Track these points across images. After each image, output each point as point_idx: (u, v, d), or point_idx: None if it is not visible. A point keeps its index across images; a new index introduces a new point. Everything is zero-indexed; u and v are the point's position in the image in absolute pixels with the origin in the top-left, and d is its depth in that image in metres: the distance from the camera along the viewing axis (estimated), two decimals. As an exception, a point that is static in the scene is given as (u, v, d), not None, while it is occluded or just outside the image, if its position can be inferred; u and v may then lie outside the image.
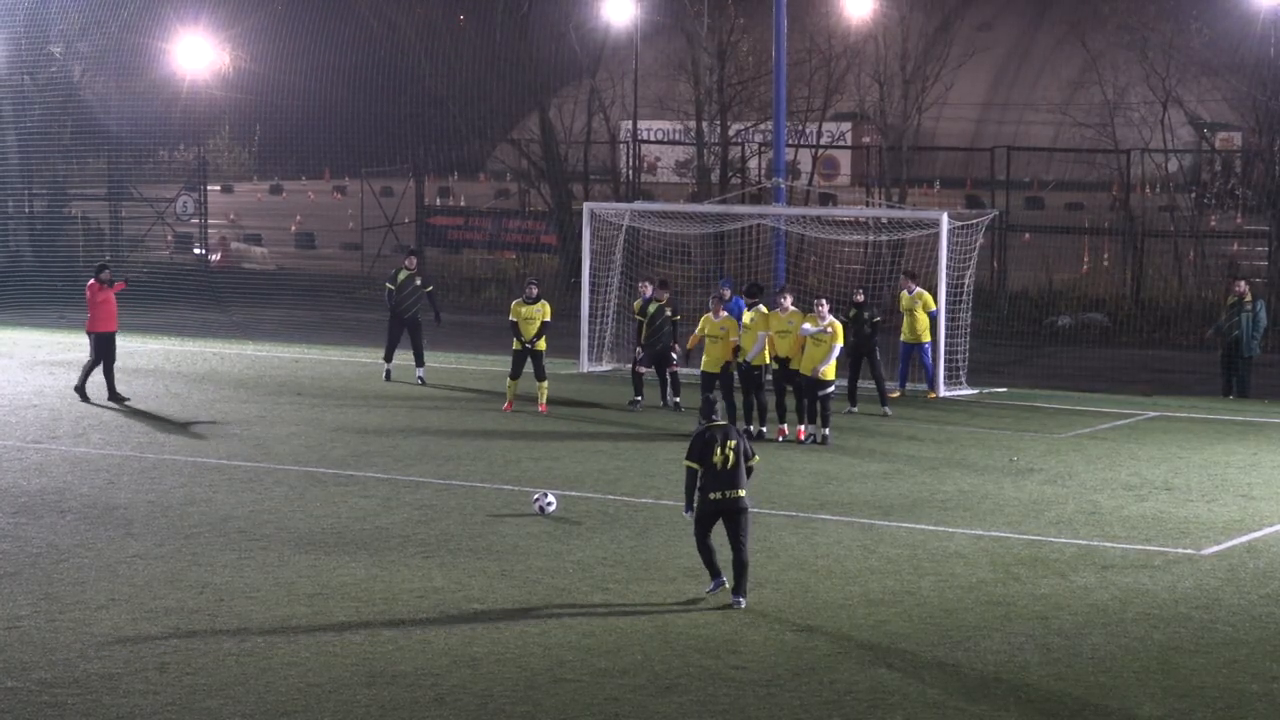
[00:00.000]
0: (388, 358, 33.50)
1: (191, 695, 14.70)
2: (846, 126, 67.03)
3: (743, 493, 17.55)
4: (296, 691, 14.82)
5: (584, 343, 35.24)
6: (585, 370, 34.90)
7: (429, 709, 14.46)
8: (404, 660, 15.69)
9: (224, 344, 39.34)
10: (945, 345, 32.44)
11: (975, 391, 32.92)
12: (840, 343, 27.04)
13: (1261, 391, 33.28)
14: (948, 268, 32.58)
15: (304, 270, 53.05)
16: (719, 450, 17.47)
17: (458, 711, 14.42)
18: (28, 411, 29.35)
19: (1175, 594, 18.33)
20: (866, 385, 30.64)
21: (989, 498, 23.21)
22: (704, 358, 27.93)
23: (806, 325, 27.10)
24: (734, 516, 17.49)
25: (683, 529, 20.89)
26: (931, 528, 21.35)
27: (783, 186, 36.88)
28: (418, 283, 33.32)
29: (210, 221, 53.66)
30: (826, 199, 51.86)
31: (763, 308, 28.04)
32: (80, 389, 30.28)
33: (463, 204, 60.71)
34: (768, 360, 27.69)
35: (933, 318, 32.06)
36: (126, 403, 30.00)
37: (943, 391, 32.23)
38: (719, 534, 17.75)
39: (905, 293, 32.15)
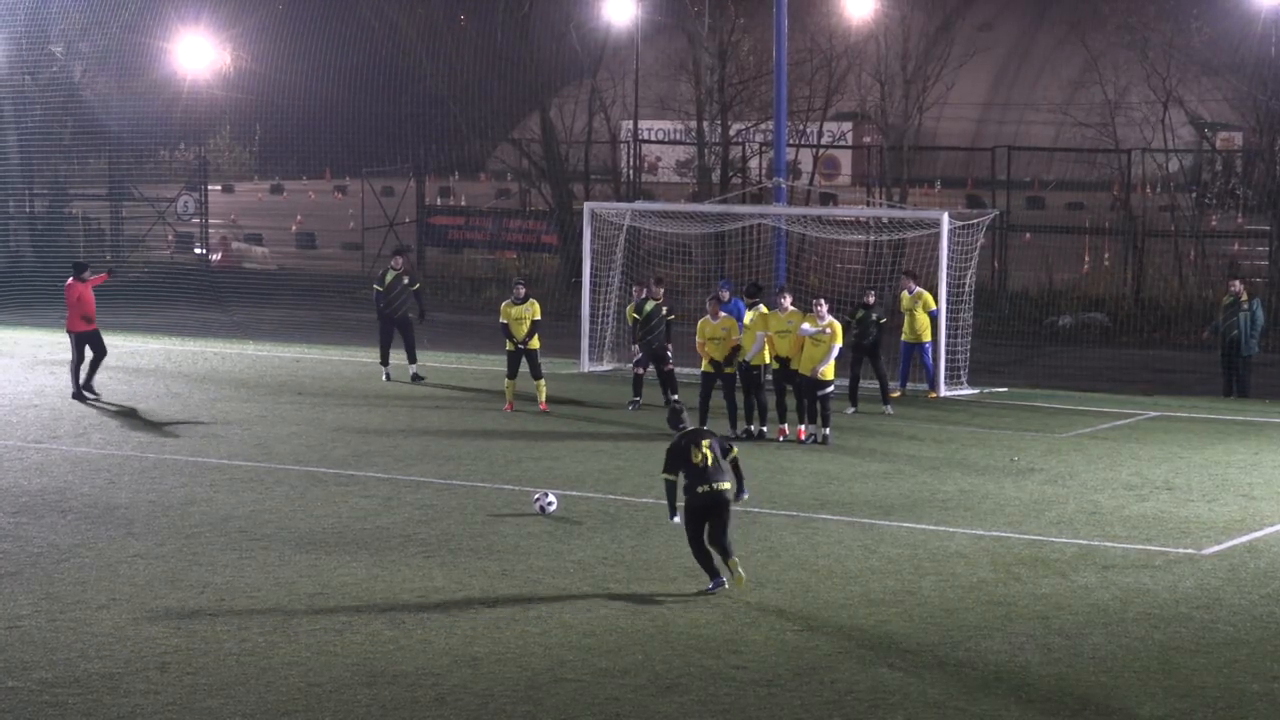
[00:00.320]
0: (383, 360, 33.52)
1: (192, 695, 14.70)
2: (847, 126, 67.04)
3: (727, 485, 18.18)
4: (297, 691, 14.82)
5: (584, 343, 35.24)
6: (586, 370, 34.90)
7: (430, 709, 14.46)
8: (405, 660, 15.69)
9: (225, 344, 39.34)
10: (946, 345, 32.43)
11: (976, 391, 32.91)
12: (840, 342, 27.04)
13: (1262, 391, 33.27)
14: (948, 268, 32.58)
15: (305, 270, 53.05)
16: (695, 452, 18.13)
17: (458, 711, 14.43)
18: (29, 411, 29.35)
19: (1176, 594, 18.32)
20: (868, 385, 30.61)
21: (990, 497, 23.21)
22: (704, 360, 27.89)
23: (805, 325, 27.09)
24: (718, 510, 18.08)
25: (683, 528, 20.88)
26: (932, 527, 21.35)
27: (783, 186, 36.86)
28: (405, 282, 33.38)
29: (211, 221, 53.67)
30: (827, 199, 51.88)
31: (763, 308, 28.06)
32: (77, 394, 30.28)
33: (463, 204, 60.73)
34: (767, 360, 27.69)
35: (933, 317, 32.06)
36: (96, 399, 30.13)
37: (943, 391, 32.22)
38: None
39: (906, 293, 32.15)
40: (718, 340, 27.62)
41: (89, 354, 30.49)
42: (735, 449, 18.71)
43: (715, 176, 48.93)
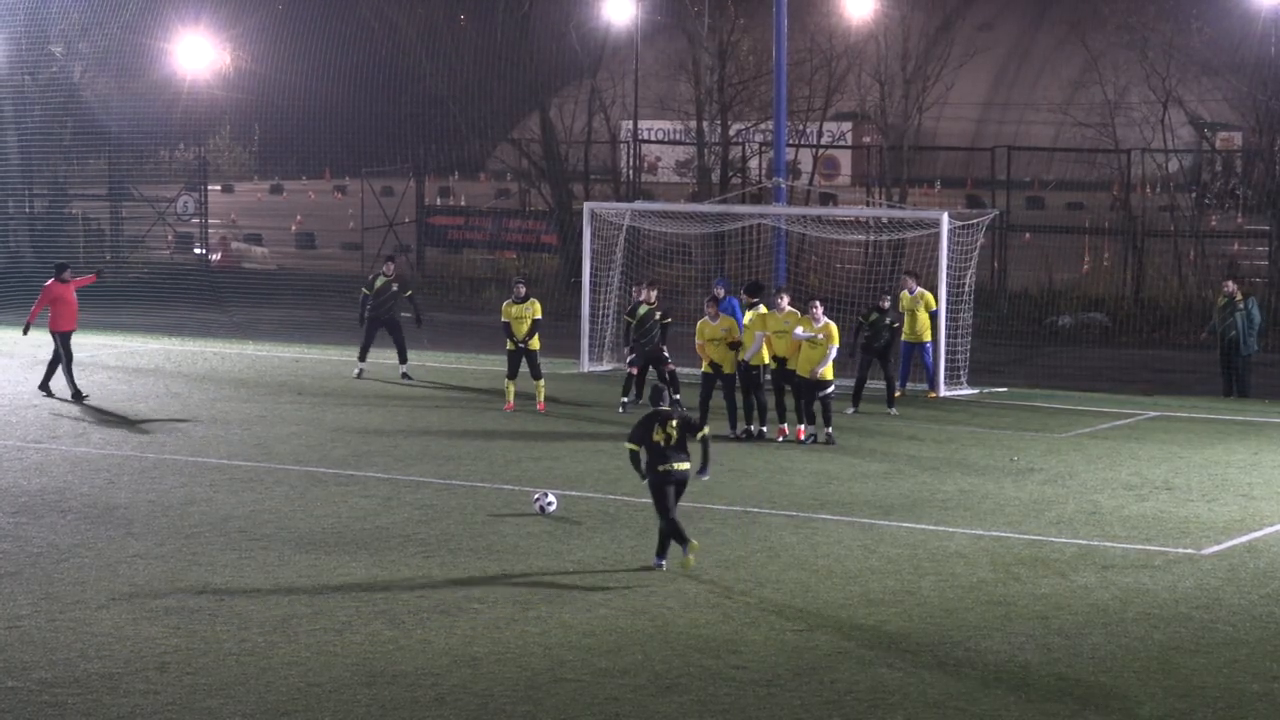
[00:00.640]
0: (361, 357, 33.73)
1: (192, 695, 14.70)
2: (847, 126, 67.03)
3: (685, 465, 19.10)
4: (297, 691, 14.82)
5: (584, 342, 35.24)
6: (586, 370, 34.91)
7: (429, 709, 14.46)
8: (404, 660, 15.69)
9: (224, 344, 39.34)
10: (946, 345, 32.44)
11: (976, 391, 32.92)
12: (836, 344, 27.03)
13: (1262, 391, 33.28)
14: (948, 268, 32.59)
15: (304, 270, 53.04)
16: (658, 430, 19.04)
17: (458, 711, 14.42)
18: (28, 411, 29.36)
19: (1176, 594, 18.32)
20: (874, 386, 30.62)
21: (989, 497, 23.21)
22: (704, 361, 27.87)
23: (799, 329, 27.10)
24: (680, 486, 19.06)
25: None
26: (932, 527, 21.35)
27: (783, 186, 36.87)
28: (394, 289, 33.70)
29: (211, 221, 53.65)
30: (827, 199, 51.86)
31: (762, 308, 28.06)
32: (75, 395, 30.33)
33: (463, 204, 60.72)
34: (766, 360, 27.70)
35: (933, 317, 32.08)
36: (50, 397, 30.30)
37: (943, 391, 32.23)
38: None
39: (906, 292, 32.16)
40: (717, 341, 27.63)
41: (63, 354, 30.72)
42: (706, 429, 19.51)
43: (715, 176, 48.92)
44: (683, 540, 18.93)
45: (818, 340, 26.82)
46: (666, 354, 29.96)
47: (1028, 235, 48.90)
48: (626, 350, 30.47)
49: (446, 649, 16.04)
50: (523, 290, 29.86)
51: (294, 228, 61.95)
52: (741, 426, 27.63)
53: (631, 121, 53.00)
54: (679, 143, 55.53)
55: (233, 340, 39.94)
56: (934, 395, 32.06)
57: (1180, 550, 20.34)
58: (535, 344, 29.66)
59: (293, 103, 54.35)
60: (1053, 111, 55.25)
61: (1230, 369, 32.96)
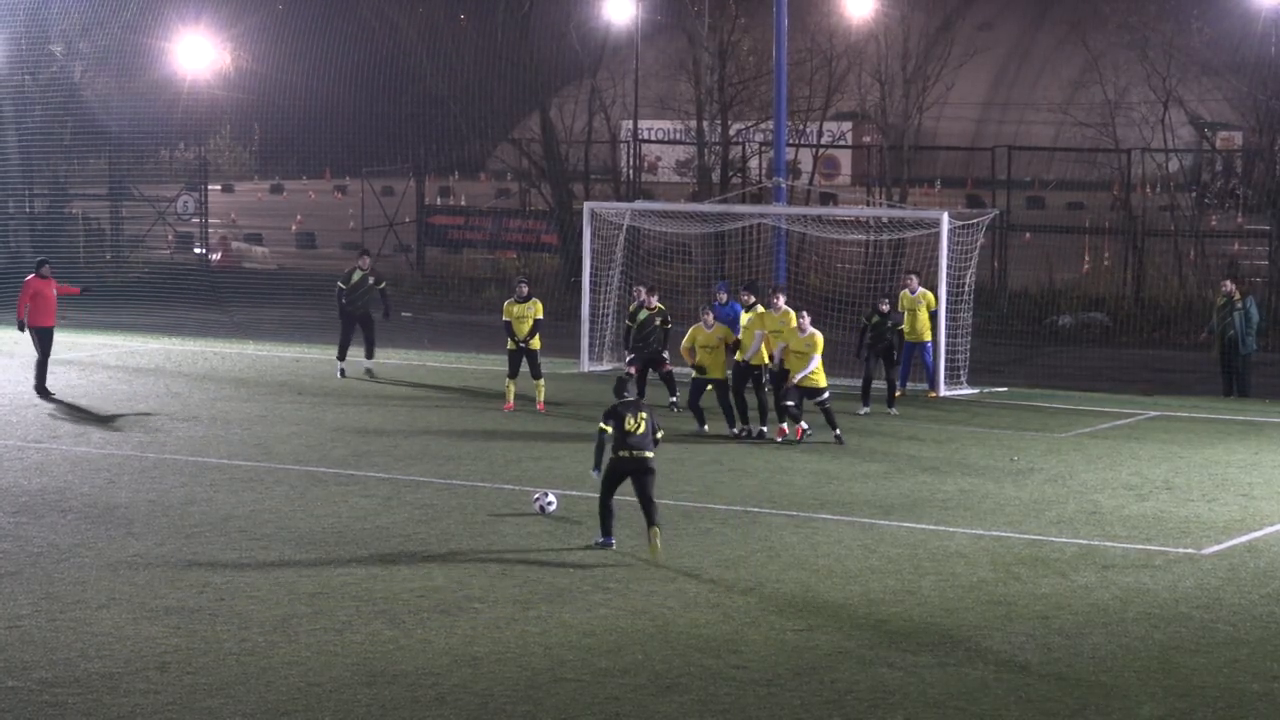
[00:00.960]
0: (341, 356, 33.86)
1: (192, 694, 14.70)
2: (847, 126, 67.03)
3: (650, 454, 19.74)
4: (297, 691, 14.82)
5: (584, 342, 35.25)
6: (586, 370, 34.90)
7: (430, 708, 14.46)
8: (405, 660, 15.69)
9: (225, 343, 39.34)
10: (946, 345, 32.45)
11: (976, 391, 32.92)
12: (819, 353, 26.99)
13: (1262, 391, 33.29)
14: (948, 267, 32.59)
15: (305, 270, 53.01)
16: (630, 419, 19.77)
17: (458, 711, 14.42)
18: (28, 411, 29.36)
19: (1176, 593, 18.32)
20: (879, 385, 30.62)
21: (990, 497, 23.21)
22: (696, 368, 27.91)
23: (781, 343, 27.17)
24: (641, 475, 19.65)
25: (683, 528, 20.92)
26: (932, 527, 21.35)
27: (783, 186, 36.87)
28: (370, 282, 33.79)
29: (211, 221, 53.64)
30: (827, 198, 51.87)
31: (759, 308, 28.11)
32: (39, 389, 30.49)
33: (463, 203, 60.72)
34: (766, 360, 27.71)
35: (933, 317, 32.08)
36: (50, 397, 30.38)
37: (943, 391, 32.23)
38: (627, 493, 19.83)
39: (908, 292, 32.16)
40: (710, 349, 27.67)
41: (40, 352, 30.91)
42: (662, 433, 20.36)
43: (715, 176, 48.92)
44: (606, 531, 19.81)
45: (802, 351, 26.83)
46: (665, 355, 29.97)
47: (1028, 235, 48.91)
48: (626, 353, 30.48)
49: (447, 649, 16.04)
50: (525, 290, 29.86)
51: (294, 227, 61.94)
52: (740, 425, 27.62)
53: (632, 121, 53.00)
54: (679, 142, 55.54)
55: (233, 340, 39.94)
56: (934, 395, 32.07)
57: (1180, 550, 20.34)
58: (536, 344, 29.67)
59: (293, 102, 54.35)
60: (1053, 111, 55.27)
61: (1230, 369, 32.96)
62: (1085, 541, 20.69)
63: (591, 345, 35.25)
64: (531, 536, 20.51)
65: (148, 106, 51.96)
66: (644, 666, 15.60)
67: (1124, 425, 29.67)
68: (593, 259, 35.64)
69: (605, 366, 35.07)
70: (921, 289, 32.11)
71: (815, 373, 26.85)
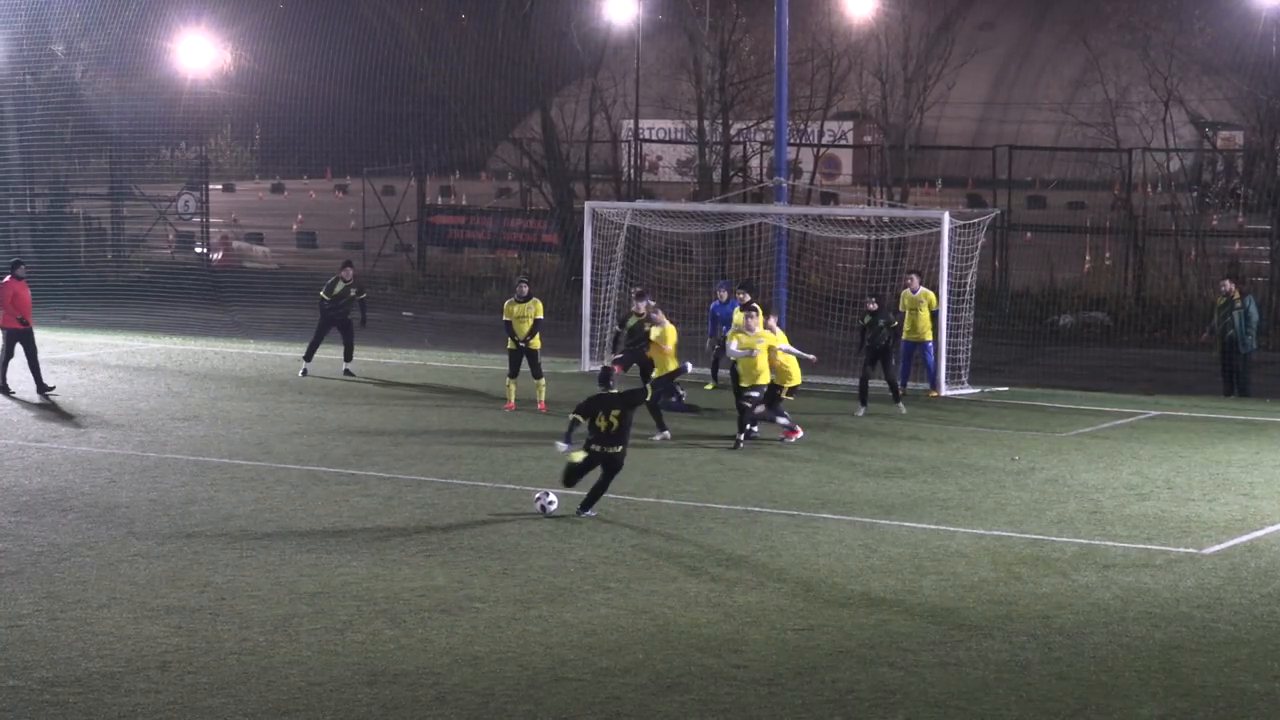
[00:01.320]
0: (308, 357, 34.03)
1: (193, 694, 14.70)
2: (848, 125, 67.00)
3: (618, 450, 21.18)
4: (298, 690, 14.82)
5: (585, 342, 35.26)
6: (586, 369, 34.89)
7: (430, 708, 14.46)
8: (405, 659, 15.70)
9: (225, 343, 39.35)
10: (947, 344, 32.45)
11: (977, 391, 32.92)
12: (761, 349, 26.71)
13: (1262, 390, 33.29)
14: (949, 267, 32.60)
15: (305, 269, 52.99)
16: (601, 418, 21.06)
17: (459, 710, 14.43)
18: (29, 411, 29.37)
19: (1177, 593, 18.32)
20: (877, 385, 30.61)
21: (990, 497, 23.21)
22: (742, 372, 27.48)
23: (734, 345, 26.81)
24: (609, 461, 21.23)
25: (684, 528, 20.93)
26: (933, 527, 21.35)
27: (784, 185, 36.87)
28: (352, 293, 34.21)
29: (212, 220, 53.66)
30: (828, 198, 51.87)
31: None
32: (2, 388, 30.55)
33: (464, 203, 60.72)
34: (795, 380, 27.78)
35: (934, 317, 32.09)
36: (50, 390, 30.54)
37: (944, 390, 32.24)
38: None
39: (909, 291, 32.16)
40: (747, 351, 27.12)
41: (22, 353, 30.98)
42: (651, 394, 22.61)
43: (716, 176, 48.93)
44: (587, 505, 21.35)
45: (754, 354, 26.65)
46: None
47: (1029, 235, 48.91)
48: (611, 353, 30.51)
49: (448, 648, 16.04)
50: (525, 290, 29.87)
51: (295, 227, 61.93)
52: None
53: (633, 121, 53.01)
54: (680, 142, 55.55)
55: (234, 339, 39.95)
56: (935, 394, 32.07)
57: (1181, 549, 20.34)
58: (536, 343, 29.67)
59: (294, 102, 54.36)
60: (1054, 111, 55.27)
61: (1230, 368, 32.96)
62: (1086, 541, 20.69)
63: (592, 345, 35.25)
64: (532, 536, 20.52)
65: (149, 106, 51.98)
66: (645, 666, 15.60)
67: (1125, 425, 29.67)
68: (593, 259, 35.65)
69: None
70: (923, 288, 32.12)
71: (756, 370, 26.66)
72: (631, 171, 51.82)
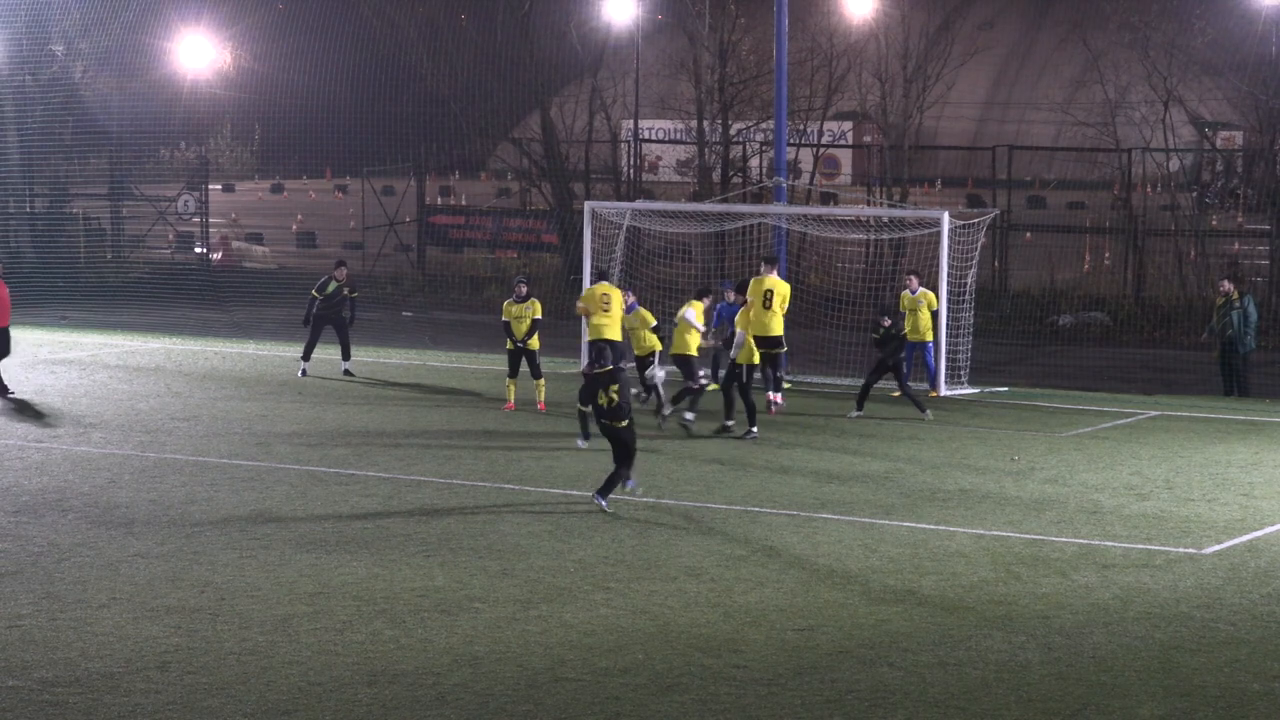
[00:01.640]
0: (305, 357, 34.08)
1: (192, 694, 14.70)
2: (848, 125, 67.04)
3: (624, 424, 21.79)
4: (298, 690, 14.82)
5: (584, 341, 35.21)
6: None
7: (430, 708, 14.46)
8: (405, 659, 15.70)
9: (225, 343, 39.36)
10: (947, 344, 32.46)
11: (977, 390, 32.92)
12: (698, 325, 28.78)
13: (1262, 391, 33.28)
14: (949, 267, 32.60)
15: (305, 269, 52.96)
16: (601, 395, 21.80)
17: (459, 710, 14.43)
18: (28, 410, 29.35)
19: (1177, 593, 18.32)
20: (879, 387, 30.56)
21: (990, 497, 23.21)
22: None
23: (689, 312, 28.87)
24: (618, 436, 21.83)
25: (684, 527, 20.93)
26: (933, 527, 21.35)
27: (784, 185, 36.87)
28: (345, 293, 34.22)
29: (211, 220, 53.66)
30: (828, 198, 51.87)
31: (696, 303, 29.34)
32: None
33: (464, 203, 60.71)
34: (756, 359, 27.73)
35: (934, 317, 32.09)
36: (10, 395, 30.31)
37: (944, 390, 32.24)
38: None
39: (908, 292, 32.16)
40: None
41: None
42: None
43: (716, 176, 48.94)
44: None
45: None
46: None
47: (1029, 234, 48.92)
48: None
49: (447, 648, 16.04)
50: (524, 290, 29.86)
51: (295, 227, 61.92)
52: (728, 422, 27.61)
53: (632, 121, 53.01)
54: (680, 142, 55.55)
55: (234, 339, 39.95)
56: (935, 394, 32.07)
57: (1181, 549, 20.34)
58: (535, 343, 29.66)
59: (293, 102, 54.35)
60: (1054, 111, 55.34)
61: (1229, 368, 32.96)
62: (1086, 541, 20.69)
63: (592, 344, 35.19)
64: (532, 536, 20.52)
65: (148, 106, 51.99)
66: (644, 666, 15.60)
67: (1124, 425, 29.67)
68: (593, 259, 35.63)
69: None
70: (922, 289, 32.12)
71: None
72: (631, 171, 51.82)
